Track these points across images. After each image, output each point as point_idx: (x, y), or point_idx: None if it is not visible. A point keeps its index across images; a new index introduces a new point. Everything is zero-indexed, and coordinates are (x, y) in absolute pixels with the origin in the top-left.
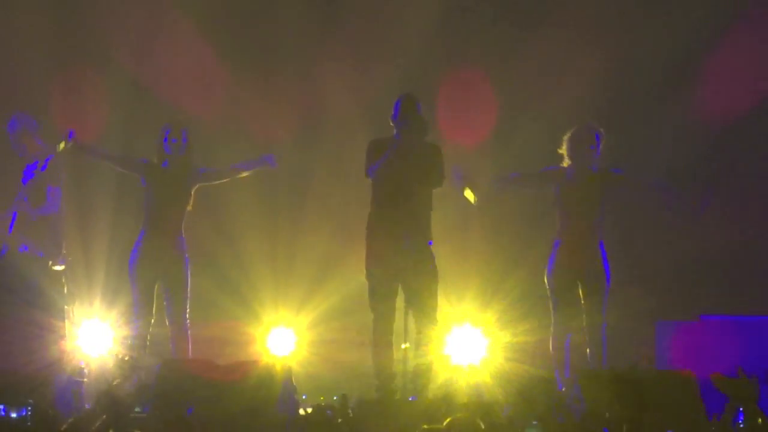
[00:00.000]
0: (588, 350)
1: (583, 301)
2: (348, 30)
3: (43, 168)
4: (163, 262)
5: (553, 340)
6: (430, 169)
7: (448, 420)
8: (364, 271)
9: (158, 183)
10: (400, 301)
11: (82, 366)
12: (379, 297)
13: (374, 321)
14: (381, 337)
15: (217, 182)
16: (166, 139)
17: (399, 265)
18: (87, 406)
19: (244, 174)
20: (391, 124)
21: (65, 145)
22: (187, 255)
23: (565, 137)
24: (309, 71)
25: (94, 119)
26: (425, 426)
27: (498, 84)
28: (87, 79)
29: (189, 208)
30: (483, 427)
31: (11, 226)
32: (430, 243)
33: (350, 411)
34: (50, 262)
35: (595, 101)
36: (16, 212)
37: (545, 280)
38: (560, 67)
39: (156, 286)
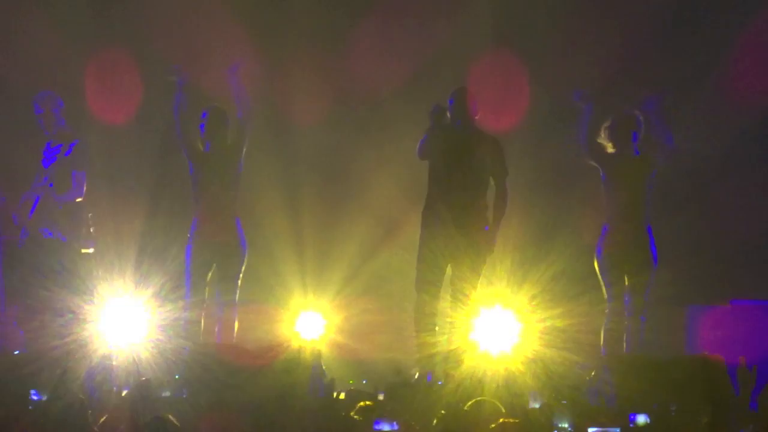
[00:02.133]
0: (625, 335)
1: (627, 284)
2: (385, 11)
3: (68, 153)
4: (220, 248)
5: (607, 320)
6: (490, 162)
7: (471, 402)
8: (417, 255)
9: (204, 169)
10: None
11: (111, 349)
12: (427, 282)
13: (418, 303)
14: (423, 321)
15: (246, 137)
16: (204, 125)
17: (450, 251)
18: (116, 389)
19: (245, 112)
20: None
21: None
22: (244, 239)
23: (605, 126)
24: (344, 52)
25: (128, 105)
26: (443, 411)
27: (530, 67)
28: (121, 63)
29: (238, 189)
30: (504, 410)
31: (32, 210)
32: (486, 228)
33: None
34: (78, 246)
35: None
36: (38, 196)
37: (595, 266)
38: (587, 55)
39: (211, 271)
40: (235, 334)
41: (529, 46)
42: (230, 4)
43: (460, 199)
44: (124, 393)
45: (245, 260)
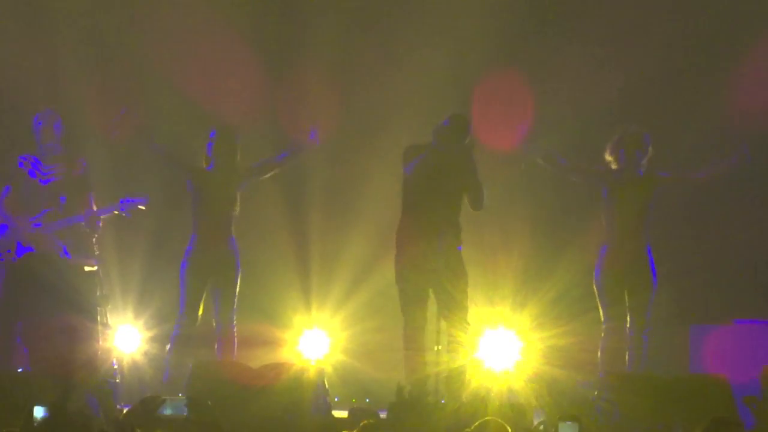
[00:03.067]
0: (627, 353)
1: (627, 305)
2: (385, 27)
3: (80, 171)
4: (214, 265)
5: (603, 341)
6: (465, 175)
7: (476, 423)
8: (396, 274)
9: (205, 187)
10: (432, 305)
11: (115, 367)
12: (411, 301)
13: (406, 325)
14: (412, 341)
15: (266, 176)
16: (211, 144)
17: (431, 268)
18: (119, 407)
19: (290, 161)
20: (435, 129)
21: (117, 120)
22: (238, 257)
23: (611, 141)
24: (342, 69)
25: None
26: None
27: (535, 85)
28: (123, 80)
29: (237, 210)
30: (510, 431)
31: (37, 224)
32: (460, 248)
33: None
34: (82, 263)
35: (633, 104)
36: (45, 213)
37: (594, 285)
38: (596, 70)
39: (206, 289)
40: (234, 352)
41: (534, 66)
42: (237, 15)
43: (439, 217)
44: (125, 411)
45: (239, 279)
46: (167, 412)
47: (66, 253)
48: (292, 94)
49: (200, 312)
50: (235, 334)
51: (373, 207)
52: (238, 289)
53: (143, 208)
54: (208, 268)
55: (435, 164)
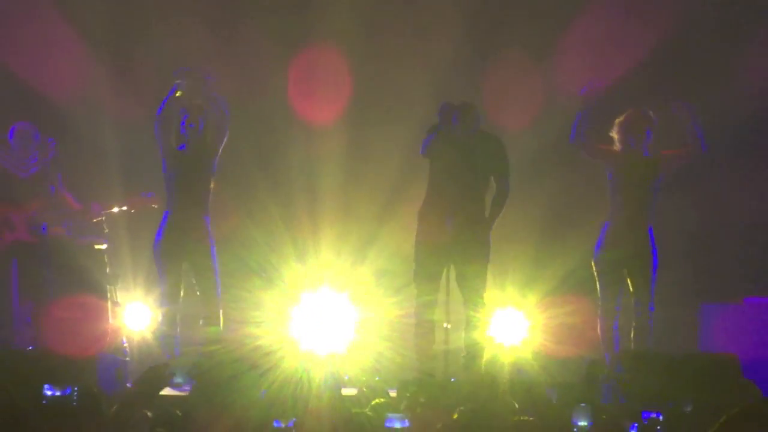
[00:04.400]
0: (633, 332)
1: (630, 284)
2: (393, 9)
3: (52, 154)
4: (187, 243)
5: (600, 321)
6: (492, 161)
7: (486, 400)
8: (413, 250)
9: (177, 166)
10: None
11: (125, 345)
12: (424, 277)
13: (417, 300)
14: (423, 317)
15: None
16: (183, 123)
17: (447, 247)
18: (128, 385)
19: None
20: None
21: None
22: (211, 236)
23: (618, 121)
24: (355, 49)
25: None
26: (461, 408)
27: (541, 66)
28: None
29: (211, 186)
30: (517, 406)
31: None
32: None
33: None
34: (91, 242)
35: (642, 81)
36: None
37: (592, 261)
38: (605, 49)
39: (182, 268)
40: (221, 327)
41: (539, 45)
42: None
43: (459, 202)
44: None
45: (215, 258)
46: (178, 380)
47: (69, 232)
48: (304, 71)
49: (181, 292)
50: (221, 315)
51: (383, 186)
52: (217, 268)
53: (155, 206)
54: (179, 246)
55: (454, 147)
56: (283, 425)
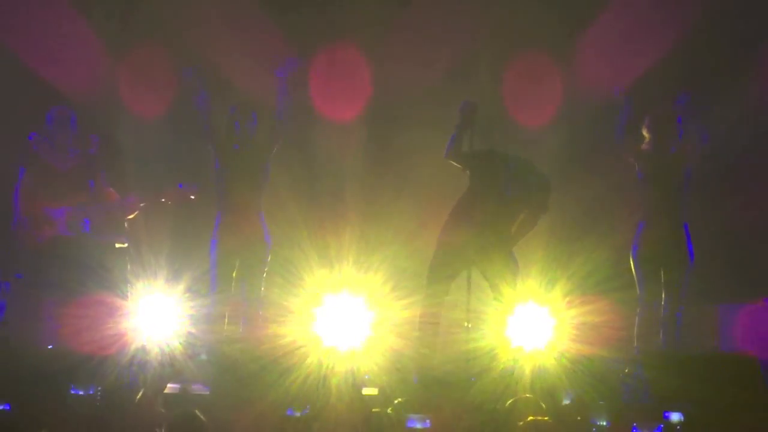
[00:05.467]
0: (661, 331)
1: (663, 282)
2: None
3: (94, 150)
4: (244, 242)
5: (639, 316)
6: (532, 197)
7: (510, 401)
8: (437, 242)
9: (231, 165)
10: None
11: (145, 343)
12: (438, 276)
13: (425, 297)
14: (428, 314)
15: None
16: (237, 123)
17: (468, 255)
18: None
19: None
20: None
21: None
22: (269, 235)
23: (645, 119)
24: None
25: (160, 100)
26: (486, 406)
27: (564, 64)
28: (152, 60)
29: (265, 184)
30: (545, 407)
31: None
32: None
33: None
34: (112, 241)
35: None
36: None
37: (631, 262)
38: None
39: (235, 266)
40: (260, 330)
41: (561, 43)
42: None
43: (490, 219)
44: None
45: (269, 256)
46: (203, 357)
47: (87, 228)
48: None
49: (232, 290)
50: (262, 314)
51: (410, 184)
52: (266, 268)
53: (193, 197)
54: (237, 246)
55: (499, 169)
56: (297, 414)
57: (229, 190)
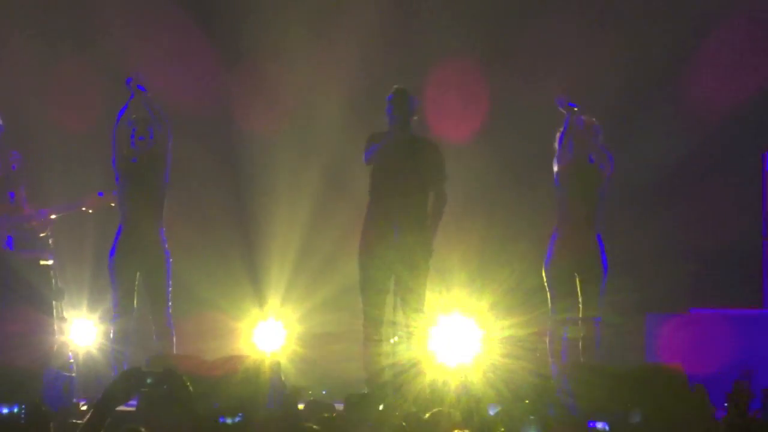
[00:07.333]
0: (581, 343)
1: (579, 293)
2: (345, 20)
3: (15, 166)
4: (141, 255)
5: (550, 333)
6: (429, 167)
7: (428, 414)
8: (357, 261)
9: (131, 178)
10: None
11: (71, 360)
12: (370, 289)
13: (364, 313)
14: (370, 331)
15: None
16: (132, 136)
17: (390, 258)
18: (75, 401)
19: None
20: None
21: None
22: (167, 247)
23: (560, 130)
24: (304, 62)
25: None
26: (403, 423)
27: (490, 78)
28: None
29: (165, 197)
30: (460, 419)
31: None
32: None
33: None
34: (37, 258)
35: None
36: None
37: (543, 272)
38: (554, 60)
39: (136, 280)
40: (174, 344)
41: (493, 51)
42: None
43: (399, 206)
44: (83, 405)
45: (170, 270)
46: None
47: (10, 244)
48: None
49: (135, 305)
50: (173, 329)
51: (331, 195)
52: (170, 281)
53: (113, 205)
54: (133, 259)
55: (394, 153)
56: (229, 421)
57: (128, 203)
